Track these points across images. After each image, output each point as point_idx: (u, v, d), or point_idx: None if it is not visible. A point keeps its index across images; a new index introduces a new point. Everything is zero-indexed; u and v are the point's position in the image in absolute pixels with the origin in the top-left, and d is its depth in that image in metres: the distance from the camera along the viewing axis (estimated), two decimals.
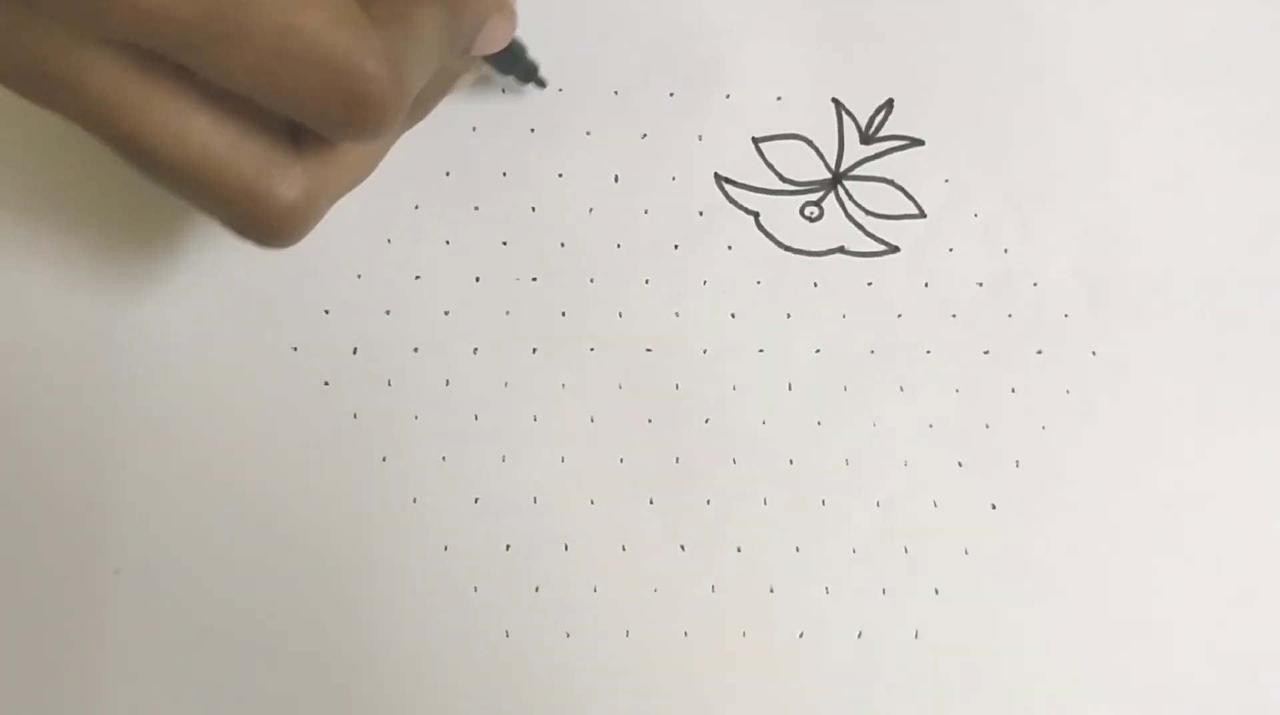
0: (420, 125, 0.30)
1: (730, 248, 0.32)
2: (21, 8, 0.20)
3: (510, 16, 0.27)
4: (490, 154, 0.32)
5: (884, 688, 0.31)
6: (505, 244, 0.32)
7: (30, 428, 0.30)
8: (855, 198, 0.33)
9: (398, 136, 0.27)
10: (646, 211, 0.32)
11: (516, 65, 0.31)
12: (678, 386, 0.32)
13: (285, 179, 0.23)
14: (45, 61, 0.21)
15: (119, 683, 0.29)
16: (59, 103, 0.21)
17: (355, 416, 0.31)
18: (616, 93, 0.33)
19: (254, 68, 0.21)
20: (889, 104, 0.34)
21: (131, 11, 0.19)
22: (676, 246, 0.32)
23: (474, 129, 0.32)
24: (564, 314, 0.32)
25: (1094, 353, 0.33)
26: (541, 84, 0.32)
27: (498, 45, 0.27)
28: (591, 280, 0.32)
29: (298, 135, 0.24)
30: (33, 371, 0.30)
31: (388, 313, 0.31)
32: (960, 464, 0.32)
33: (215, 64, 0.21)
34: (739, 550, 0.31)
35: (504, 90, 0.32)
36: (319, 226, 0.31)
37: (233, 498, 0.30)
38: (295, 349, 0.31)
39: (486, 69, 0.31)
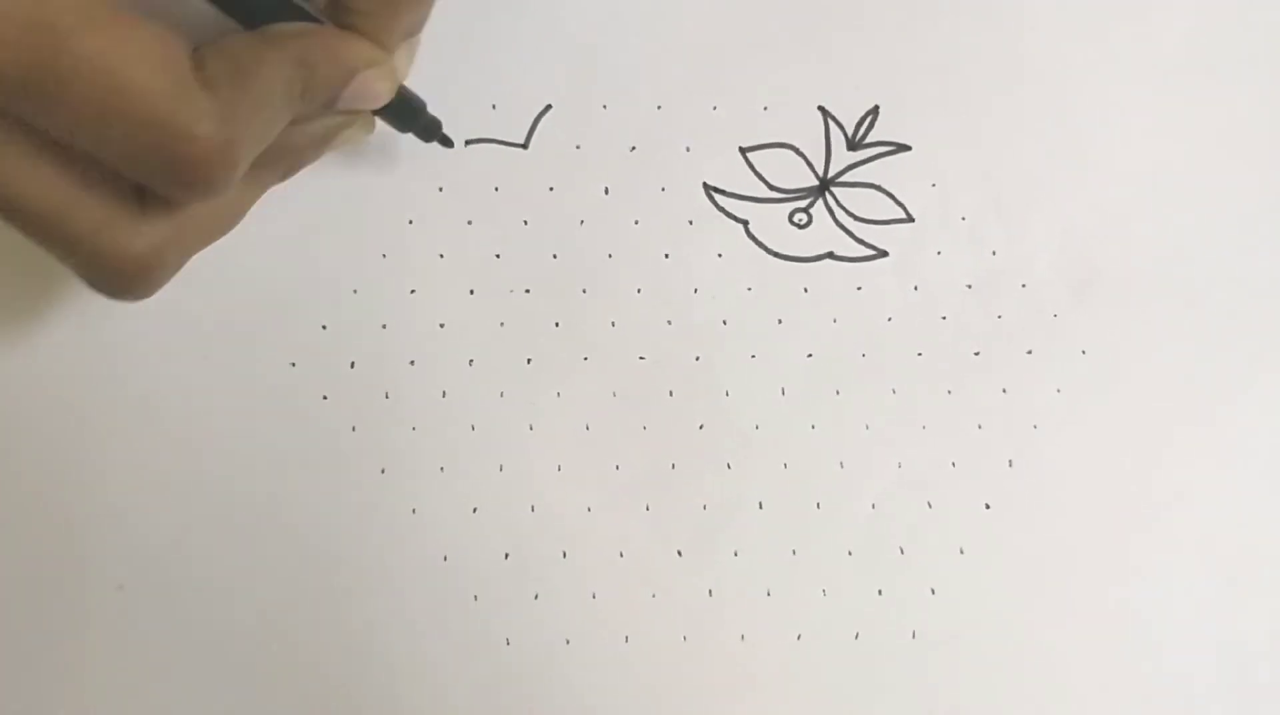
0: (412, 143, 0.31)
1: (720, 256, 0.33)
2: None
3: (387, 73, 0.26)
4: (482, 170, 0.33)
5: (882, 689, 0.31)
6: (499, 257, 0.32)
7: (30, 444, 0.30)
8: (843, 204, 0.34)
9: (261, 191, 0.27)
10: (637, 222, 0.33)
11: (412, 122, 0.30)
12: (671, 393, 0.32)
13: (128, 232, 0.23)
14: None
15: (123, 698, 0.30)
16: None
17: (354, 429, 0.31)
18: (605, 107, 0.33)
19: (77, 123, 0.21)
20: (875, 111, 0.34)
21: None
22: (667, 256, 0.33)
23: (465, 145, 0.32)
24: (558, 324, 0.32)
25: (1083, 352, 0.33)
26: (447, 143, 0.31)
27: (374, 101, 0.26)
28: (584, 291, 0.32)
29: (144, 191, 0.23)
30: (31, 388, 0.31)
31: (384, 327, 0.32)
32: (953, 464, 0.32)
33: (41, 117, 0.21)
34: (735, 554, 0.31)
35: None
36: (316, 241, 0.31)
37: (234, 511, 0.30)
38: (294, 364, 0.31)
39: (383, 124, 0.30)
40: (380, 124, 0.29)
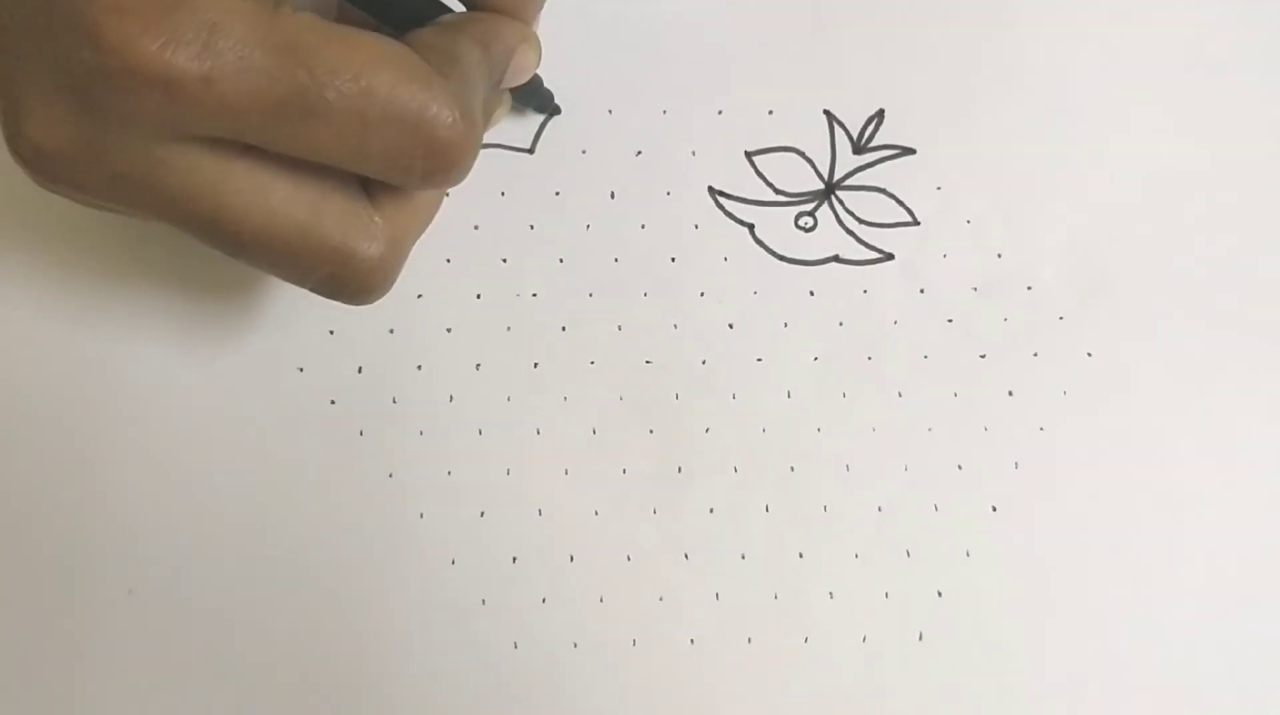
0: None
1: (726, 259, 0.33)
2: (99, 123, 0.20)
3: (535, 47, 0.28)
4: (489, 175, 0.33)
5: (889, 691, 0.31)
6: (505, 261, 0.32)
7: (39, 448, 0.31)
8: (849, 207, 0.34)
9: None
10: (643, 226, 0.33)
11: (535, 96, 0.32)
12: (678, 397, 0.32)
13: (369, 234, 0.23)
14: (125, 168, 0.21)
15: (133, 701, 0.30)
16: (139, 202, 0.21)
17: (361, 434, 0.31)
18: (610, 111, 0.33)
19: (336, 138, 0.21)
20: (880, 114, 0.34)
21: (214, 108, 0.20)
22: (673, 259, 0.33)
23: None
24: (564, 329, 0.32)
25: (1089, 354, 0.33)
26: (557, 110, 0.33)
27: (525, 76, 0.28)
28: (590, 295, 0.32)
29: (369, 186, 0.24)
30: (39, 392, 0.31)
31: (391, 331, 0.32)
32: (960, 467, 0.32)
33: (298, 141, 0.21)
34: (742, 558, 0.31)
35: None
36: None
37: (242, 516, 0.31)
38: (301, 369, 0.31)
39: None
40: None
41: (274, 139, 0.21)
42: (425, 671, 0.30)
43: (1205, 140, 0.35)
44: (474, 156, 0.23)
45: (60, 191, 0.22)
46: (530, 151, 0.33)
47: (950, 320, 0.33)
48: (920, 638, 0.31)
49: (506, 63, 0.27)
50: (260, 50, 0.20)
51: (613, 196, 0.33)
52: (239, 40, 0.19)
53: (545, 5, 0.29)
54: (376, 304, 0.31)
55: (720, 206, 0.33)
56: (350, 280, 0.24)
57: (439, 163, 0.22)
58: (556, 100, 0.33)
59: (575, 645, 0.31)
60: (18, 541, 0.30)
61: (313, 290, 0.24)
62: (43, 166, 0.21)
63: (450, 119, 0.22)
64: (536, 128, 0.33)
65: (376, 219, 0.24)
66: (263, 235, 0.22)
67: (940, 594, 0.31)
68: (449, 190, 0.28)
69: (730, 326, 0.33)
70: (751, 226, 0.33)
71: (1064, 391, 0.33)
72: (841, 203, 0.34)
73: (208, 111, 0.20)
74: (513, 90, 0.30)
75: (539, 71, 0.30)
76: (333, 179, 0.23)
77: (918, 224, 0.34)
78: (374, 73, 0.21)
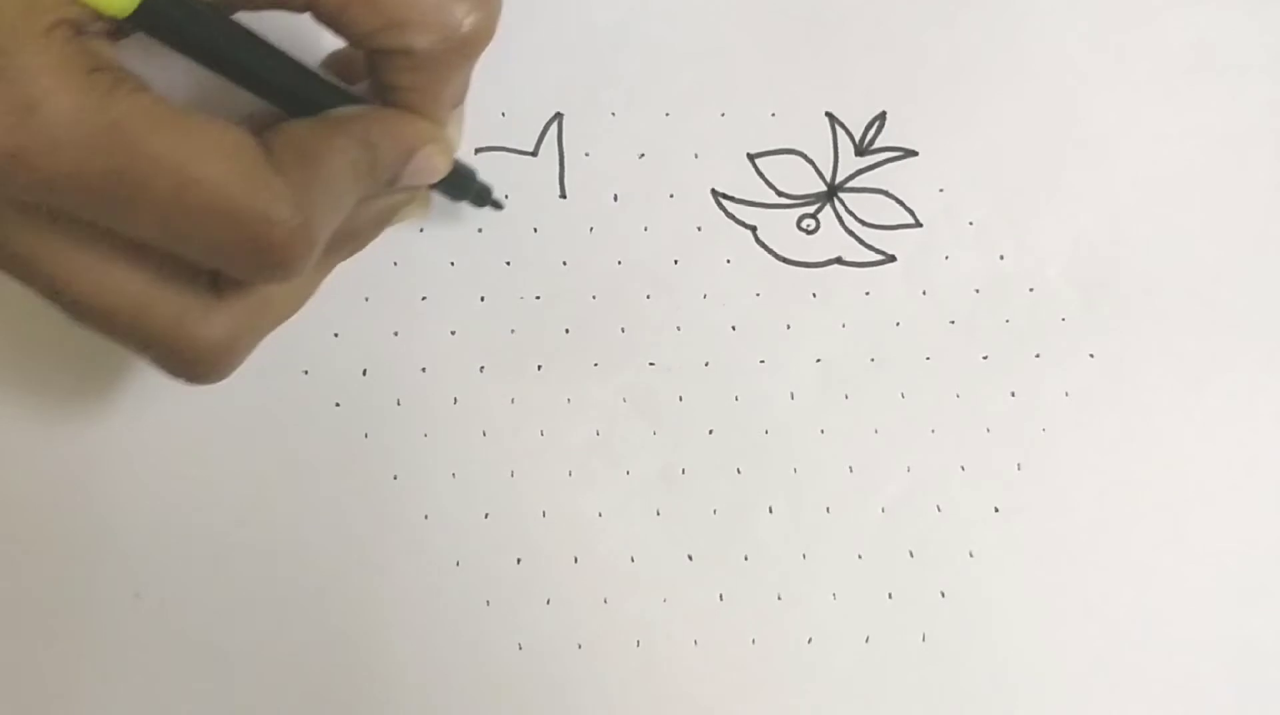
0: None
1: (729, 261, 0.33)
2: None
3: (444, 148, 0.27)
4: (492, 178, 0.33)
5: (893, 692, 0.31)
6: (509, 264, 0.33)
7: (45, 452, 0.31)
8: (851, 209, 0.34)
9: (328, 272, 0.27)
10: (646, 229, 0.33)
11: (465, 192, 0.31)
12: (681, 399, 0.32)
13: (205, 321, 0.23)
14: None
15: (138, 705, 0.30)
16: None
17: (366, 436, 0.31)
18: (613, 114, 0.33)
19: (158, 223, 0.21)
20: (882, 117, 0.34)
21: (32, 178, 0.20)
22: (676, 262, 0.33)
23: (475, 153, 0.33)
24: (568, 331, 0.32)
25: (1091, 355, 0.33)
26: (498, 206, 0.32)
27: (430, 177, 0.27)
28: (594, 297, 0.33)
29: (219, 277, 0.24)
30: (44, 396, 0.31)
31: (396, 334, 0.32)
32: (962, 468, 0.32)
33: (118, 222, 0.21)
34: (746, 559, 0.31)
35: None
36: None
37: (248, 518, 0.31)
38: (306, 372, 0.32)
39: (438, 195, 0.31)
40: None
41: (98, 217, 0.21)
42: (430, 672, 0.30)
43: (1207, 142, 0.35)
44: (303, 257, 0.22)
45: None
46: (533, 154, 0.33)
47: (952, 322, 0.33)
48: (923, 638, 0.31)
49: (401, 163, 0.26)
50: (80, 131, 0.20)
51: (616, 199, 0.33)
52: (60, 118, 0.20)
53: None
54: (382, 307, 0.32)
55: (723, 209, 0.33)
56: (182, 361, 0.24)
57: (263, 259, 0.22)
58: (558, 105, 0.33)
59: (579, 646, 0.31)
60: (23, 545, 0.30)
61: (150, 365, 0.24)
62: None
63: (277, 218, 0.21)
64: (539, 130, 0.33)
65: (216, 308, 0.24)
66: (97, 308, 0.22)
67: (943, 595, 0.32)
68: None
69: (733, 328, 0.33)
70: (754, 228, 0.33)
71: (1066, 392, 0.33)
72: (844, 205, 0.34)
73: (20, 184, 0.20)
74: (438, 186, 0.29)
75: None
76: (174, 263, 0.23)
77: (920, 226, 0.34)
78: (201, 164, 0.21)
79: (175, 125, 0.21)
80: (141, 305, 0.23)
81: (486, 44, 0.25)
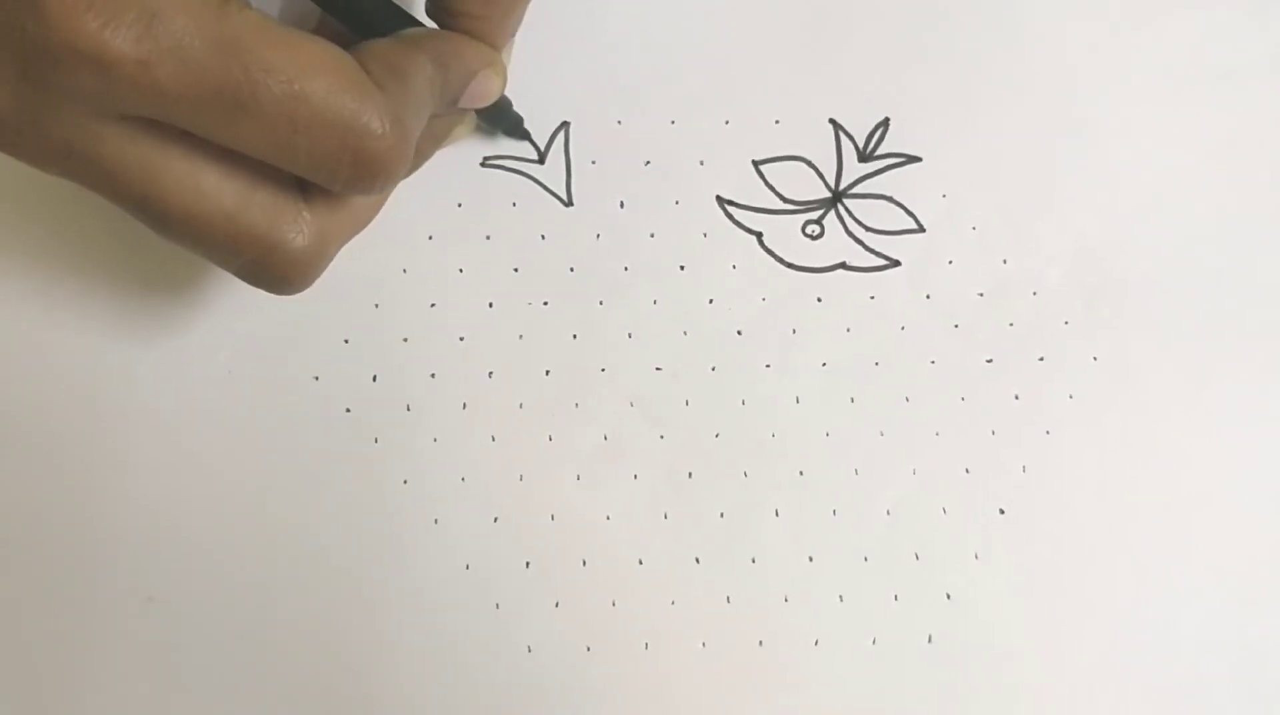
0: (432, 159, 0.31)
1: (735, 267, 0.33)
2: (37, 91, 0.21)
3: (499, 73, 0.28)
4: (500, 185, 0.33)
5: (899, 693, 0.31)
6: (517, 271, 0.33)
7: (58, 457, 0.31)
8: (855, 215, 0.34)
9: (395, 184, 0.28)
10: (652, 235, 0.33)
11: (502, 120, 0.32)
12: (688, 403, 0.32)
13: (294, 227, 0.24)
14: (60, 138, 0.21)
15: (151, 710, 0.30)
16: (74, 173, 0.22)
17: (376, 441, 0.32)
18: (619, 122, 0.34)
19: (265, 135, 0.22)
20: (885, 123, 0.35)
21: (147, 91, 0.20)
22: (682, 268, 0.33)
23: (483, 161, 0.33)
24: (575, 337, 0.33)
25: (1095, 358, 0.33)
26: (527, 137, 0.33)
27: (486, 100, 0.28)
28: (601, 303, 0.33)
29: (305, 184, 0.24)
30: (59, 403, 0.31)
31: (405, 340, 0.32)
32: (967, 471, 0.33)
33: (229, 132, 0.21)
34: (753, 561, 0.32)
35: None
36: (338, 257, 0.32)
37: (259, 523, 0.31)
38: (317, 378, 0.32)
39: (479, 123, 0.32)
40: None
41: (205, 128, 0.21)
42: (440, 675, 0.31)
43: (1210, 146, 0.35)
44: (401, 168, 0.23)
45: (5, 152, 0.22)
46: (541, 162, 0.33)
47: (957, 326, 0.33)
48: (929, 640, 0.31)
49: (464, 84, 0.27)
50: (199, 42, 0.20)
51: (622, 206, 0.33)
52: (180, 30, 0.20)
53: (527, 25, 0.29)
54: (392, 314, 0.32)
55: (728, 215, 0.34)
56: (272, 268, 0.24)
57: (364, 170, 0.23)
58: (564, 118, 0.33)
59: (588, 649, 0.31)
60: (37, 551, 0.31)
61: (236, 275, 0.25)
62: None
63: (380, 130, 0.22)
64: (547, 139, 0.34)
65: (305, 214, 0.24)
66: (190, 216, 0.23)
67: (949, 596, 0.32)
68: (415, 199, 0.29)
69: (739, 333, 0.33)
70: (759, 234, 0.34)
71: (1070, 395, 0.33)
72: (848, 210, 0.34)
73: (140, 94, 0.20)
74: (481, 112, 0.30)
75: (511, 95, 0.31)
76: (265, 172, 0.23)
77: (924, 231, 0.34)
78: (309, 77, 0.21)
79: (285, 41, 0.21)
80: (234, 213, 0.23)
81: None
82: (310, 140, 0.22)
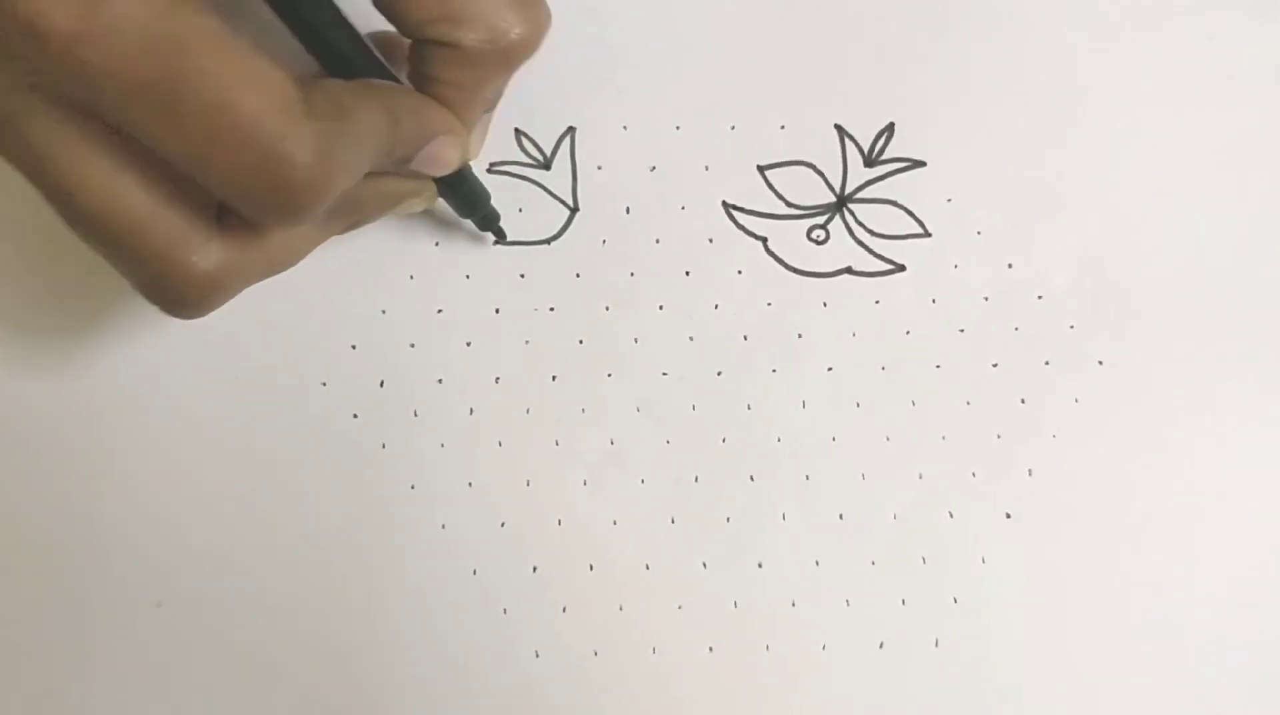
0: None
1: (740, 272, 0.33)
2: None
3: (459, 143, 0.27)
4: (506, 190, 0.33)
5: (906, 697, 0.31)
6: (523, 277, 0.33)
7: (66, 462, 0.31)
8: (860, 219, 0.34)
9: (326, 237, 0.27)
10: (658, 241, 0.33)
11: (474, 209, 0.31)
12: (694, 408, 0.33)
13: (200, 251, 0.24)
14: None
15: (159, 713, 0.30)
16: (2, 146, 0.22)
17: (384, 447, 0.32)
18: (625, 127, 0.34)
19: (184, 140, 0.21)
20: (890, 128, 0.35)
21: (73, 67, 0.20)
22: (688, 273, 0.33)
23: (490, 167, 0.33)
24: (581, 342, 0.33)
25: (1100, 362, 0.33)
26: (502, 235, 0.32)
27: (441, 167, 0.27)
28: (607, 308, 0.33)
29: (222, 214, 0.24)
30: (66, 406, 0.31)
31: (412, 346, 0.32)
32: (973, 475, 0.33)
33: (149, 130, 0.21)
34: (760, 566, 0.32)
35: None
36: (345, 264, 0.32)
37: (267, 528, 0.31)
38: (324, 384, 0.32)
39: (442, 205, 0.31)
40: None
41: (128, 120, 0.21)
42: (448, 680, 0.31)
43: (1215, 149, 0.35)
44: (317, 204, 0.23)
45: None
46: (547, 168, 0.34)
47: (962, 330, 0.34)
48: (936, 644, 0.32)
49: (418, 145, 0.26)
50: (137, 32, 0.20)
51: (627, 211, 0.34)
52: (121, 15, 0.20)
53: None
54: (399, 320, 0.32)
55: (733, 220, 0.34)
56: (169, 288, 0.24)
57: (276, 197, 0.22)
58: (570, 123, 0.33)
59: (595, 653, 0.31)
60: (47, 556, 0.31)
61: (135, 287, 0.24)
62: None
63: (300, 160, 0.22)
64: (553, 145, 0.34)
65: (215, 242, 0.24)
66: (101, 215, 0.23)
67: (956, 600, 0.32)
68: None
69: (745, 338, 0.33)
70: (764, 239, 0.34)
71: (1075, 399, 0.33)
72: (853, 215, 0.34)
73: (65, 69, 0.20)
74: (449, 196, 0.30)
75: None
76: (186, 190, 0.23)
77: (929, 235, 0.34)
78: (240, 92, 0.21)
79: (227, 51, 0.21)
80: (143, 221, 0.23)
81: (528, 56, 0.27)
82: (227, 155, 0.21)
